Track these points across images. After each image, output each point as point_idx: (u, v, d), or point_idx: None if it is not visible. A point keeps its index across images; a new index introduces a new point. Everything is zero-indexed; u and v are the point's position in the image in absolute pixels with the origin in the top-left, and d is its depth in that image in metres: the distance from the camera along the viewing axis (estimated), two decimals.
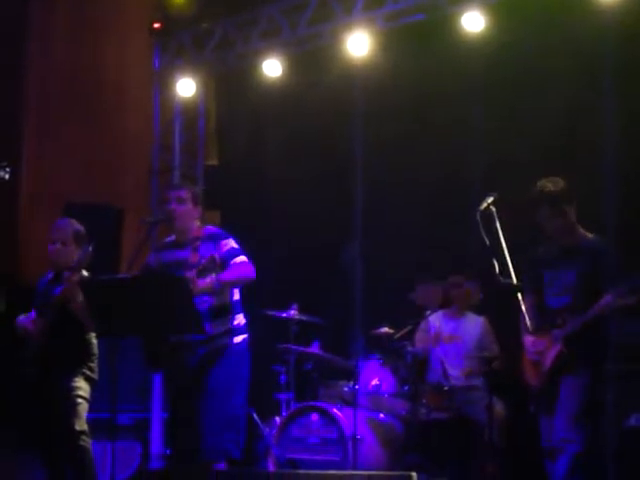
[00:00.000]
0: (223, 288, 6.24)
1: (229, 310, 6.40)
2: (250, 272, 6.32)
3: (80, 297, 6.23)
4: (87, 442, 6.53)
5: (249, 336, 6.51)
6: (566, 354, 5.85)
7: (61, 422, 6.49)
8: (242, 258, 6.32)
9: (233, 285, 6.32)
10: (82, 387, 6.58)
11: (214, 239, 6.40)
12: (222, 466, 6.24)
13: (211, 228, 6.59)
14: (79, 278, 6.39)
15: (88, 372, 6.63)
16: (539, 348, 5.99)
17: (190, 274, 6.00)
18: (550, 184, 6.01)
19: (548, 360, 5.93)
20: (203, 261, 6.01)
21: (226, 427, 6.21)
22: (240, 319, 6.48)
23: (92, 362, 6.67)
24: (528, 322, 6.01)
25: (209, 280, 6.03)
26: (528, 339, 6.03)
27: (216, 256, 5.98)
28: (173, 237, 6.62)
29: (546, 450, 6.00)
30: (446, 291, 8.13)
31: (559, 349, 5.88)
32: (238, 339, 6.41)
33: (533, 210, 6.01)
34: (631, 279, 5.73)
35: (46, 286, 6.79)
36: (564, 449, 5.79)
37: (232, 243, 6.40)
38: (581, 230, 6.12)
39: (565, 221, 6.05)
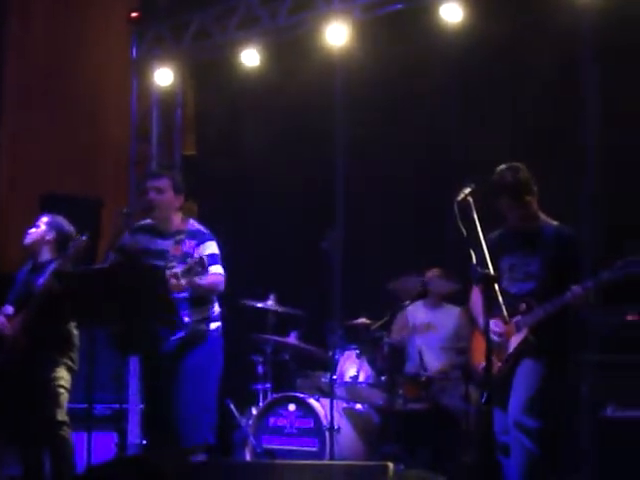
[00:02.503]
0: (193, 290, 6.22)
1: (209, 299, 6.41)
2: (220, 284, 6.33)
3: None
4: (67, 432, 6.55)
5: (223, 325, 6.52)
6: (532, 341, 5.80)
7: (42, 412, 6.48)
8: (217, 269, 6.30)
9: (201, 292, 6.28)
10: (63, 377, 6.60)
11: (198, 237, 6.36)
12: (202, 456, 6.23)
13: (195, 224, 6.53)
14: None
15: (69, 362, 6.64)
16: (502, 331, 5.90)
17: (177, 269, 5.95)
18: (509, 173, 5.92)
19: (511, 346, 5.87)
20: (190, 260, 5.96)
21: (202, 413, 6.22)
22: (216, 307, 6.48)
23: (73, 352, 6.68)
24: (479, 312, 5.81)
25: (185, 282, 5.98)
26: (491, 322, 5.62)
27: (205, 259, 5.93)
28: (149, 221, 6.56)
29: (499, 445, 5.89)
30: (424, 283, 8.13)
31: (525, 336, 5.82)
32: (213, 326, 6.42)
33: (493, 198, 5.94)
34: (600, 274, 5.66)
35: (26, 276, 6.79)
36: (518, 440, 5.70)
37: (214, 247, 6.38)
38: (543, 216, 6.04)
39: (526, 211, 5.98)
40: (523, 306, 5.87)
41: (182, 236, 6.36)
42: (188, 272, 5.87)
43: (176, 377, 6.24)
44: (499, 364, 5.89)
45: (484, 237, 5.35)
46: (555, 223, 6.02)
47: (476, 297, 6.08)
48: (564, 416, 6.31)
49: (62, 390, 6.57)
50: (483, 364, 5.64)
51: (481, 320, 5.61)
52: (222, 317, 6.55)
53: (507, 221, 6.06)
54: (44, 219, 6.84)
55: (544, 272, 5.88)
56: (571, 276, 5.78)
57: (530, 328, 5.81)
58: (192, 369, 6.26)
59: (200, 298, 6.34)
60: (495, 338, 5.84)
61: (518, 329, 5.86)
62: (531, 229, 6.00)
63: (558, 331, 5.84)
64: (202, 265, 5.87)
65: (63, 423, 6.53)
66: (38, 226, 6.79)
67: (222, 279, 6.32)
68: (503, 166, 5.99)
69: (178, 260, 6.20)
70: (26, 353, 6.51)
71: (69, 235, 6.82)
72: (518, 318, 5.86)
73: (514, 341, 5.88)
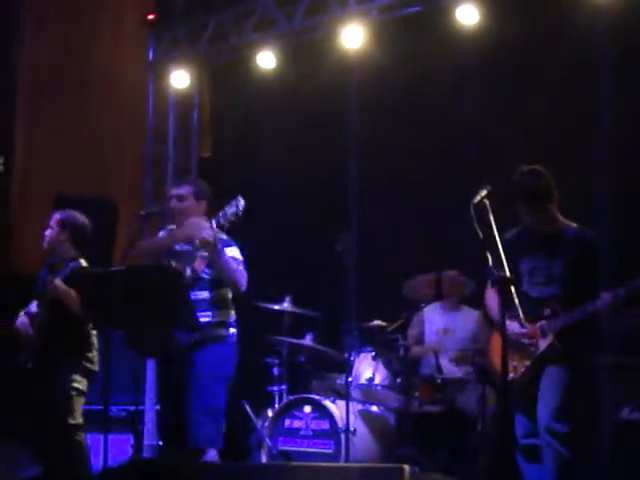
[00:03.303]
0: (218, 263, 6.17)
1: (228, 303, 6.41)
2: (243, 279, 6.29)
3: (72, 291, 6.29)
4: (81, 436, 6.51)
5: (238, 332, 6.51)
6: (558, 347, 5.71)
7: (54, 414, 6.48)
8: (241, 268, 6.30)
9: (225, 268, 6.20)
10: (79, 380, 6.56)
11: (220, 243, 6.36)
12: (213, 456, 6.23)
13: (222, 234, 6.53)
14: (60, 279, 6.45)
15: (87, 364, 6.59)
16: (530, 334, 5.80)
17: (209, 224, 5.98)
18: (530, 178, 5.81)
19: (537, 351, 5.77)
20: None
21: (208, 416, 6.20)
22: (233, 314, 6.48)
23: (91, 353, 6.65)
24: (497, 312, 5.66)
25: (212, 238, 5.97)
26: (514, 324, 5.76)
27: (240, 199, 5.95)
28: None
29: (522, 449, 5.85)
30: (438, 283, 8.08)
31: (551, 342, 5.72)
32: (231, 332, 6.42)
33: (512, 198, 5.85)
34: (630, 282, 5.57)
35: (46, 275, 6.80)
36: (551, 446, 5.63)
37: (235, 252, 6.37)
38: (562, 218, 5.92)
39: (545, 215, 5.88)
40: (548, 311, 5.77)
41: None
42: (224, 217, 5.89)
43: (188, 379, 6.25)
44: (522, 369, 5.82)
45: (500, 237, 5.33)
46: (575, 225, 5.92)
47: (493, 298, 5.96)
48: (589, 419, 6.28)
49: (74, 392, 6.54)
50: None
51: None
52: (237, 324, 6.55)
53: (524, 221, 5.98)
54: (56, 217, 6.83)
55: (566, 276, 5.78)
56: (594, 280, 5.73)
57: (556, 334, 5.73)
58: (204, 372, 6.24)
59: (221, 300, 6.34)
60: (525, 341, 5.81)
61: (543, 334, 5.77)
62: (551, 232, 5.89)
63: (583, 336, 5.76)
64: (236, 205, 5.87)
65: (76, 427, 6.50)
66: (52, 227, 6.79)
67: (245, 277, 6.32)
68: (525, 168, 5.88)
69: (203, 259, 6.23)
70: (42, 354, 6.51)
71: (84, 227, 6.81)
72: (543, 323, 5.78)
73: (540, 345, 5.78)
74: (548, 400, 5.72)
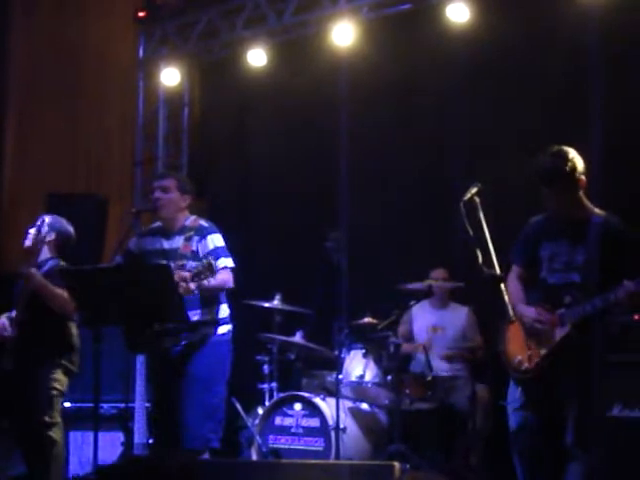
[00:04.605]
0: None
1: (216, 300, 6.40)
2: (229, 281, 6.31)
3: (54, 287, 6.27)
4: (57, 434, 6.46)
5: (233, 327, 6.51)
6: (575, 338, 5.42)
7: (32, 412, 6.45)
8: (225, 262, 6.30)
9: (210, 293, 6.30)
10: (58, 379, 6.51)
11: (201, 232, 6.37)
12: (205, 455, 6.23)
13: (203, 222, 6.55)
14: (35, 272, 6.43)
15: (68, 364, 6.56)
16: (545, 321, 5.49)
17: (186, 273, 5.95)
18: (554, 161, 5.45)
19: (553, 340, 5.47)
20: (199, 265, 5.95)
21: (206, 416, 6.21)
22: (225, 310, 6.47)
23: (72, 354, 6.61)
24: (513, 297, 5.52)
25: (194, 286, 5.99)
26: (530, 309, 5.52)
27: (213, 264, 5.92)
28: (159, 223, 6.58)
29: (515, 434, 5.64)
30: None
31: (568, 332, 5.43)
32: (223, 329, 6.41)
33: (542, 181, 5.50)
34: None
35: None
36: (579, 456, 5.48)
37: (217, 240, 6.37)
38: (589, 204, 5.62)
39: (571, 200, 5.54)
40: (568, 298, 5.48)
41: (191, 233, 6.38)
42: (197, 276, 5.88)
43: (183, 380, 6.24)
44: (537, 359, 5.51)
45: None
46: (602, 212, 5.62)
47: (513, 285, 5.71)
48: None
49: (55, 392, 6.48)
50: (519, 357, 5.52)
51: (517, 308, 5.49)
52: (232, 319, 6.54)
53: (548, 207, 5.64)
54: (45, 219, 6.79)
55: (590, 264, 5.47)
56: (616, 269, 5.39)
57: (574, 324, 5.43)
58: (198, 373, 6.25)
59: (208, 298, 6.34)
60: (539, 326, 5.52)
61: (562, 323, 5.47)
62: (577, 218, 5.58)
63: (598, 329, 5.49)
64: (211, 270, 5.86)
65: (52, 424, 6.45)
66: (39, 227, 6.74)
67: (230, 276, 6.32)
68: (553, 149, 5.55)
69: (188, 258, 6.23)
70: (23, 354, 6.46)
71: (69, 236, 6.79)
72: (562, 311, 5.47)
73: (557, 334, 5.48)
74: (572, 411, 5.49)
